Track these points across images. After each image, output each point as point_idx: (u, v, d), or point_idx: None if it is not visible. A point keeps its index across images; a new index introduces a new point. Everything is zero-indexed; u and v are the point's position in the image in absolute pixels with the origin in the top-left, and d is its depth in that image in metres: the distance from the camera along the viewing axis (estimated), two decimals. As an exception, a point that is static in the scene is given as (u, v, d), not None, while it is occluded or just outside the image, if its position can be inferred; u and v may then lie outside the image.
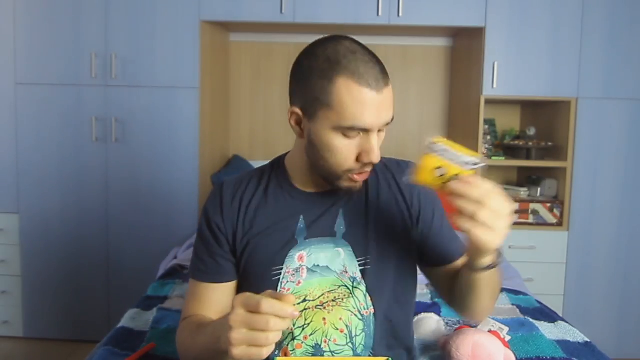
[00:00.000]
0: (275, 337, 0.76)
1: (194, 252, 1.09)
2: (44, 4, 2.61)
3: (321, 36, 0.97)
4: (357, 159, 0.93)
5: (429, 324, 1.45)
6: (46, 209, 2.71)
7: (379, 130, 0.94)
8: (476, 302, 0.99)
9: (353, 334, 0.98)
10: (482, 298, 0.97)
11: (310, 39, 0.98)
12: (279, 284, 1.00)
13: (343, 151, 0.92)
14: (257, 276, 1.02)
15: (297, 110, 0.95)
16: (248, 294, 0.79)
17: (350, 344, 0.98)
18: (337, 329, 0.97)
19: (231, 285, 1.06)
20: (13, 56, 2.64)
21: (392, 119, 0.94)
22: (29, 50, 2.64)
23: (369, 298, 1.00)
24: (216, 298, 1.05)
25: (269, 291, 0.80)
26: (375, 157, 0.92)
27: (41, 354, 2.67)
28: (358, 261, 1.01)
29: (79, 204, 2.70)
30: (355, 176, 0.96)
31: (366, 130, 0.91)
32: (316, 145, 0.95)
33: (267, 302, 0.75)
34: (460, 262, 1.05)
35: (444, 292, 1.10)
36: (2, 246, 2.75)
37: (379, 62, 0.92)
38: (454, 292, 1.03)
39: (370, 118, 0.89)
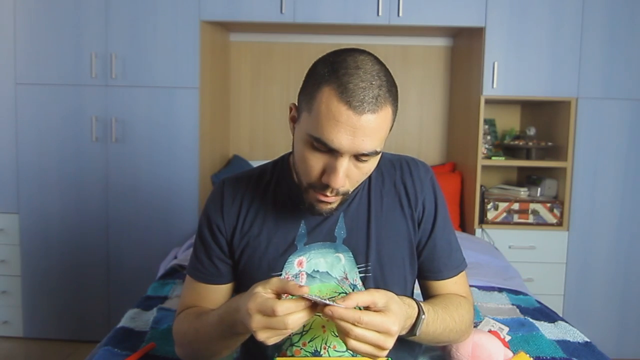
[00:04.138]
0: (297, 326, 0.79)
1: (192, 250, 1.08)
2: (44, 4, 2.61)
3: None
4: (321, 176, 0.88)
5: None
6: (46, 209, 2.71)
7: (358, 159, 0.87)
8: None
9: None
10: (435, 342, 1.03)
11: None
12: None
13: (308, 162, 0.88)
14: (255, 280, 0.99)
15: (294, 107, 0.94)
16: (260, 298, 0.80)
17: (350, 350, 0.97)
18: (337, 336, 0.95)
19: (228, 286, 1.06)
20: (13, 56, 2.64)
21: (377, 153, 0.87)
22: (29, 50, 2.64)
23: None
24: (213, 297, 1.05)
25: (276, 279, 0.83)
26: (335, 182, 0.86)
27: (41, 354, 2.67)
28: (358, 268, 0.99)
29: (79, 203, 2.70)
30: (319, 195, 0.91)
31: (335, 151, 0.85)
32: (293, 147, 0.95)
33: (281, 306, 0.77)
34: (450, 284, 1.05)
35: None
36: (2, 246, 2.75)
37: (380, 87, 0.83)
38: None
39: (339, 138, 0.83)
